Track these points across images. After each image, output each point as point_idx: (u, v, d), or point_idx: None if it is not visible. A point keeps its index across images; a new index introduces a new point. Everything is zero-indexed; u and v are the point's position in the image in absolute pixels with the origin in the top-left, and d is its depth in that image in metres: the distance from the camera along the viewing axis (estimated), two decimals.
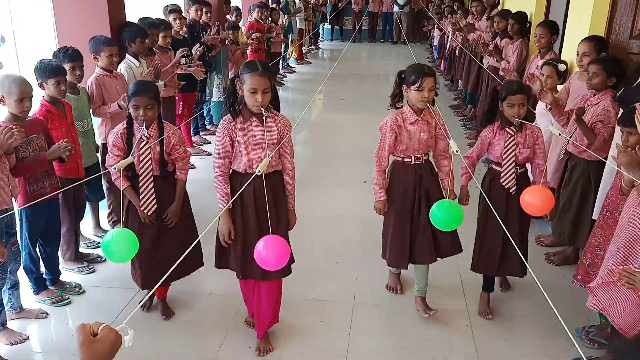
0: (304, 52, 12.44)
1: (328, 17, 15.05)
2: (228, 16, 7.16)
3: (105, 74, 3.89)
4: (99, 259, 3.77)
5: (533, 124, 2.98)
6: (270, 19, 8.92)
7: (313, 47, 13.75)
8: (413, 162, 2.95)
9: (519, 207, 2.52)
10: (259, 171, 2.17)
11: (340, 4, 15.15)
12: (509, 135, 2.94)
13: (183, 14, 5.75)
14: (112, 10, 4.18)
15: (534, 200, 2.39)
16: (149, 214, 2.85)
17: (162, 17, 5.46)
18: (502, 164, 2.97)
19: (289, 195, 2.77)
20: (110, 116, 3.82)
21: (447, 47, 9.34)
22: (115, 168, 2.54)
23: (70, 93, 3.51)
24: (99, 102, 3.83)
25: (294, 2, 10.86)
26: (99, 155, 3.87)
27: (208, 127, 6.78)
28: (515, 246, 2.38)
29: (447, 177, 2.91)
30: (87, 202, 3.83)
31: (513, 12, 5.65)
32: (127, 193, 2.86)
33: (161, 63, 4.78)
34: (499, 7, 6.54)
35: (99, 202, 4.07)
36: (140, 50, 4.37)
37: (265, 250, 1.95)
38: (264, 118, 2.53)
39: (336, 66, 11.64)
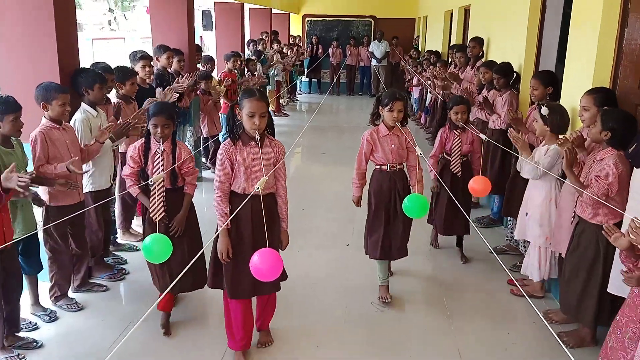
0: (281, 104, 12.18)
1: (305, 70, 14.94)
2: (199, 65, 6.80)
3: (53, 126, 3.40)
4: (35, 344, 3.17)
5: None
6: (246, 69, 8.63)
7: (290, 98, 13.52)
8: (389, 170, 3.63)
9: (462, 185, 3.98)
10: (258, 188, 2.41)
11: (317, 53, 15.07)
12: (456, 135, 4.24)
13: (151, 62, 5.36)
14: (63, 54, 3.70)
15: (476, 185, 3.22)
16: (157, 220, 3.08)
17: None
18: (452, 155, 4.29)
19: (282, 216, 3.00)
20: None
21: (429, 100, 9.13)
22: (151, 181, 3.11)
23: (2, 145, 3.02)
24: (43, 160, 3.33)
25: (273, 56, 10.63)
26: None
27: None
28: (461, 208, 3.65)
29: (416, 184, 3.61)
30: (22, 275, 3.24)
31: (498, 62, 5.41)
32: (140, 198, 3.26)
33: (124, 114, 4.33)
34: (484, 58, 6.33)
35: (38, 275, 3.49)
36: (98, 98, 3.91)
37: (260, 261, 2.12)
38: (257, 140, 2.74)
39: (315, 118, 11.37)
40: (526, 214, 3.76)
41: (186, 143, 6.20)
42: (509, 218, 4.64)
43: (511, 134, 3.77)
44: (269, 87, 10.60)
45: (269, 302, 3.19)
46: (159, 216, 3.10)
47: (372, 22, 15.66)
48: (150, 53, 5.58)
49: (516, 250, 4.51)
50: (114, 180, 4.23)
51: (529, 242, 3.80)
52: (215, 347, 3.20)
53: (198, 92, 6.47)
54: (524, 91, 5.01)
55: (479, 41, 6.38)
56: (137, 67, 5.02)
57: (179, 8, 6.06)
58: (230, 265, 2.87)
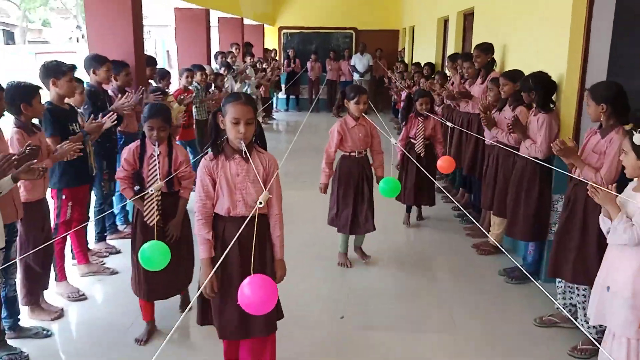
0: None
1: (283, 86, 13.75)
2: (152, 81, 5.56)
3: None
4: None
5: None
6: (213, 85, 7.41)
7: (267, 118, 12.31)
8: (357, 156, 4.14)
9: (426, 164, 4.77)
10: (261, 203, 2.22)
11: (293, 68, 13.92)
12: (420, 122, 5.03)
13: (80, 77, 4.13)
14: None
15: (443, 163, 4.17)
16: (151, 224, 3.02)
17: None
18: (416, 138, 5.06)
19: (276, 243, 2.62)
20: None
21: None
22: (153, 190, 2.94)
23: None
24: None
25: (245, 70, 9.39)
26: None
27: (121, 227, 4.99)
28: (431, 177, 4.40)
29: (379, 167, 4.20)
30: None
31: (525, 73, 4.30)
32: (135, 202, 3.15)
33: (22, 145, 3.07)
34: (496, 69, 5.22)
35: None
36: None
37: (249, 288, 1.92)
38: (243, 151, 2.42)
39: (292, 141, 10.17)
40: (607, 288, 2.58)
41: None
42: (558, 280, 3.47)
43: (589, 186, 2.60)
44: None
45: (265, 350, 2.64)
46: (153, 220, 3.03)
47: (354, 34, 14.62)
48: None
49: (569, 322, 3.37)
50: (11, 237, 3.00)
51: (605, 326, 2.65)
52: None
53: None
54: (565, 111, 3.89)
55: (484, 48, 5.25)
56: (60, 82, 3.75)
57: (121, 10, 4.84)
58: (216, 300, 2.54)
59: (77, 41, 28.27)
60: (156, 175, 3.03)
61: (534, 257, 4.02)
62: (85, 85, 4.38)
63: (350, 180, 4.14)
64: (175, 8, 7.45)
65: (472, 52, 5.67)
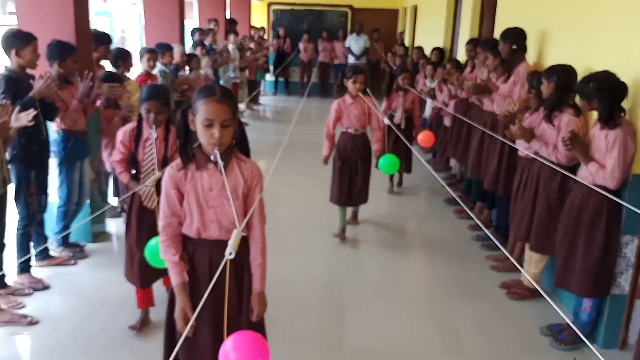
0: (239, 110, 9.88)
1: (271, 67, 12.60)
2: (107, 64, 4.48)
3: None
4: None
5: None
6: (189, 67, 6.33)
7: (252, 103, 11.21)
8: (353, 133, 4.40)
9: (404, 134, 5.18)
10: (231, 253, 1.83)
11: (285, 48, 12.77)
12: (400, 95, 5.60)
13: None
14: None
15: (422, 136, 4.76)
16: (152, 207, 2.93)
17: None
18: (395, 111, 5.61)
19: (256, 273, 2.15)
20: None
21: (429, 110, 7.01)
22: (151, 182, 2.88)
23: None
24: None
25: (226, 50, 8.25)
26: None
27: (56, 250, 3.96)
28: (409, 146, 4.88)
29: (377, 141, 4.45)
30: None
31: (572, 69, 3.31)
32: (130, 185, 3.01)
33: None
34: (537, 61, 4.18)
35: None
36: None
37: (234, 352, 1.62)
38: (218, 161, 1.97)
39: (279, 130, 9.16)
40: None
41: (84, 181, 4.05)
42: None
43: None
44: None
45: None
46: (153, 203, 2.93)
47: (349, 12, 13.46)
48: None
49: None
50: None
51: None
52: None
53: (99, 103, 4.20)
54: None
55: (514, 36, 4.20)
56: None
57: None
58: (185, 340, 1.86)
59: None
60: (153, 159, 2.93)
61: (590, 316, 3.06)
62: (3, 70, 3.33)
63: (345, 155, 4.44)
64: None
65: (496, 38, 4.65)
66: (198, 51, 6.95)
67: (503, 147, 4.15)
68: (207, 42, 7.52)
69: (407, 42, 11.55)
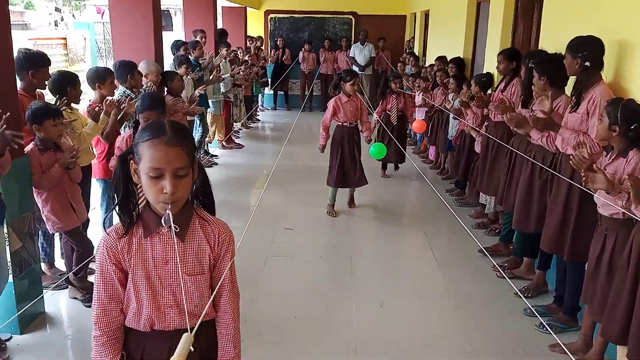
0: (234, 129, 8.86)
1: (269, 80, 11.59)
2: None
3: None
4: None
5: None
6: (166, 87, 5.32)
7: (250, 121, 10.19)
8: (348, 125, 5.23)
9: (398, 129, 6.45)
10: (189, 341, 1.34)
11: (284, 59, 11.76)
12: (394, 98, 6.47)
13: None
14: None
15: (416, 124, 6.55)
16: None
17: None
18: (391, 110, 6.46)
19: None
20: None
21: (454, 130, 6.04)
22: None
23: None
24: None
25: (217, 67, 7.21)
26: None
27: None
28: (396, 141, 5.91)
29: (367, 130, 5.29)
30: None
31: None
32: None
33: None
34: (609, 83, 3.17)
35: None
36: None
37: None
38: (171, 225, 1.52)
39: (279, 153, 8.12)
40: None
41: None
42: None
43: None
44: (210, 111, 7.29)
45: None
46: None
47: (353, 20, 12.47)
48: None
49: None
50: None
51: None
52: None
53: (30, 146, 3.21)
54: None
55: (588, 49, 3.15)
56: None
57: None
58: None
59: (56, 25, 25.75)
60: None
61: None
62: None
63: (341, 144, 5.21)
64: None
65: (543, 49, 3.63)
66: (182, 70, 5.93)
67: (570, 196, 3.11)
68: (192, 57, 6.50)
69: (416, 51, 10.55)
